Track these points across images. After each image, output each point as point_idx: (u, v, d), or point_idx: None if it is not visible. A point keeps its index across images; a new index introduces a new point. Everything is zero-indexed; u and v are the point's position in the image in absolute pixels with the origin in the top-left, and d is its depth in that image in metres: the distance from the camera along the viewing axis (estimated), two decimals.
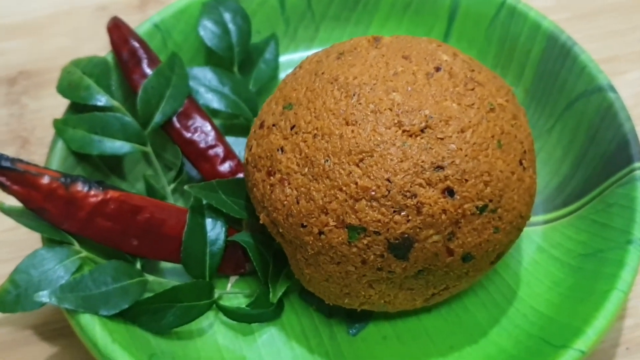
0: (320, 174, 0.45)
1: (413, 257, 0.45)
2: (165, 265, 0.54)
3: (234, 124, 0.60)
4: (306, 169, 0.46)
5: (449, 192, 0.45)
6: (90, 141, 0.54)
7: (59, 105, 0.56)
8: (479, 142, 0.45)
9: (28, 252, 0.49)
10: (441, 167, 0.45)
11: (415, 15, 0.63)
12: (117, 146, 0.54)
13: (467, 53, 0.59)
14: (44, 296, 0.47)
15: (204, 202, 0.52)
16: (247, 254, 0.52)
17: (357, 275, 0.46)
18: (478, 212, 0.45)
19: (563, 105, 0.57)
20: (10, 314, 0.54)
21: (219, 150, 0.56)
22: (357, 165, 0.45)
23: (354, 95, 0.46)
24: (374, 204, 0.44)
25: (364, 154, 0.45)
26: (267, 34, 0.63)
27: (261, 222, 0.49)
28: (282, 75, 0.62)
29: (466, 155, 0.45)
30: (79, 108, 0.55)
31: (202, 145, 0.55)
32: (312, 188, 0.45)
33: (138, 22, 0.60)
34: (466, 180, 0.45)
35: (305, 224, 0.46)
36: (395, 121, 0.45)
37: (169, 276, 0.54)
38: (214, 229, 0.52)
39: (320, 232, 0.45)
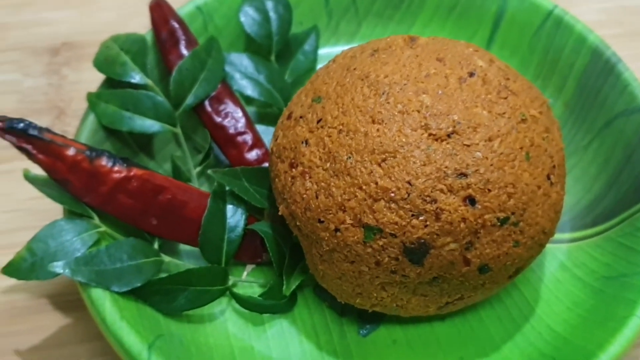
0: (342, 170, 0.45)
1: (428, 263, 0.44)
2: (184, 247, 0.54)
3: (267, 112, 0.60)
4: (328, 164, 0.45)
5: (471, 200, 0.44)
6: (121, 117, 0.54)
7: (98, 79, 0.57)
8: (506, 153, 0.44)
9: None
10: (464, 175, 0.44)
11: (460, 19, 0.62)
12: (147, 124, 0.54)
13: (509, 61, 0.59)
14: (58, 267, 0.47)
15: (227, 188, 0.52)
16: (265, 244, 0.52)
17: (370, 276, 0.46)
18: (499, 223, 0.44)
19: (602, 123, 0.56)
20: (27, 282, 0.55)
21: (248, 137, 0.55)
22: (379, 165, 0.44)
23: (383, 93, 0.46)
24: (393, 205, 0.44)
25: (387, 154, 0.44)
26: (309, 25, 0.63)
27: (280, 213, 0.49)
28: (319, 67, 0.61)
29: (491, 165, 0.44)
30: (113, 83, 0.56)
31: (232, 131, 0.55)
32: (332, 184, 0.45)
33: (182, 3, 0.60)
34: (489, 190, 0.44)
35: (322, 219, 0.45)
36: (422, 124, 0.44)
37: (186, 259, 0.54)
38: (234, 216, 0.52)
39: (337, 229, 0.45)
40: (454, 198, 0.44)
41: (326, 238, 0.46)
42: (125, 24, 0.69)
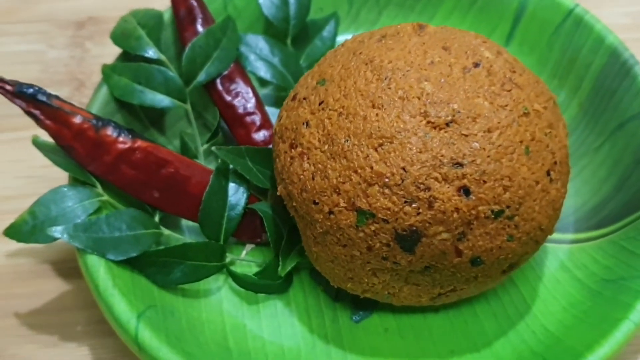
0: (339, 153, 0.45)
1: (420, 251, 0.44)
2: (186, 223, 0.55)
3: (280, 95, 0.60)
4: (326, 147, 0.45)
5: (465, 191, 0.43)
6: (133, 90, 0.54)
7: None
8: (505, 145, 0.44)
9: None
10: (460, 164, 0.43)
11: (480, 13, 0.61)
12: (158, 99, 0.55)
13: (527, 58, 0.58)
14: (57, 231, 0.48)
15: (230, 166, 0.52)
16: (264, 225, 0.52)
17: (362, 261, 0.46)
18: (493, 216, 0.44)
19: (614, 125, 0.55)
20: (32, 247, 0.56)
21: (256, 118, 0.56)
22: (376, 150, 0.44)
23: (385, 78, 0.45)
24: (386, 191, 0.43)
25: (384, 139, 0.44)
26: (329, 12, 0.63)
27: (278, 193, 0.49)
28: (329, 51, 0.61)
29: (489, 156, 0.44)
30: (129, 57, 0.56)
31: (240, 110, 0.56)
32: (328, 166, 0.45)
33: None
34: (484, 182, 0.43)
35: (317, 201, 0.45)
36: (422, 111, 0.44)
37: (187, 234, 0.54)
38: (236, 194, 0.52)
39: (330, 212, 0.45)
40: (448, 187, 0.43)
41: (320, 220, 0.46)
42: (151, 1, 0.70)
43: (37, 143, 0.51)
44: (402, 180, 0.43)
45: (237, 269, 0.53)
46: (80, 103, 0.63)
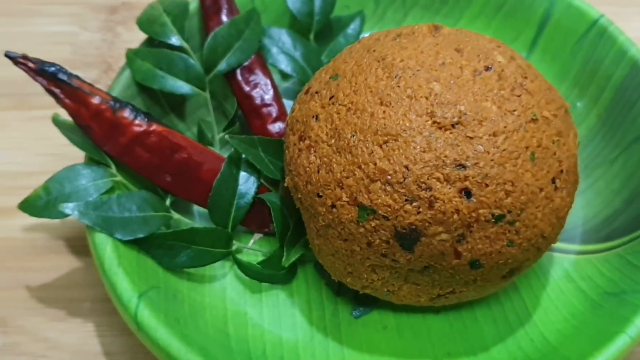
0: (344, 147, 0.45)
1: (419, 250, 0.44)
2: (198, 209, 0.56)
3: (300, 90, 0.61)
4: (333, 140, 0.46)
5: (466, 193, 0.43)
6: (154, 75, 0.55)
7: None
8: (509, 150, 0.44)
9: None
10: (463, 166, 0.43)
11: (506, 18, 0.61)
12: (177, 85, 0.56)
13: (550, 66, 0.58)
14: (68, 208, 0.49)
15: (243, 155, 0.53)
16: None
17: (362, 257, 0.46)
18: (493, 220, 0.44)
19: (631, 138, 0.54)
20: (48, 221, 0.57)
21: (273, 109, 0.56)
22: (380, 147, 0.44)
23: (395, 77, 0.46)
24: (388, 188, 0.44)
25: (389, 137, 0.44)
26: (355, 10, 0.63)
27: (286, 184, 0.49)
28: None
29: (492, 160, 0.44)
30: (154, 43, 0.57)
31: (258, 101, 0.56)
32: (333, 160, 0.45)
33: None
34: (486, 185, 0.43)
35: (321, 194, 0.46)
36: (429, 110, 0.44)
37: (198, 220, 0.55)
38: (246, 183, 0.53)
39: (333, 205, 0.45)
40: (449, 188, 0.43)
41: (323, 213, 0.46)
42: None
43: (56, 121, 0.52)
44: (404, 179, 0.43)
45: (244, 257, 0.54)
46: (107, 86, 0.64)
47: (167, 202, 0.53)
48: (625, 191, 0.54)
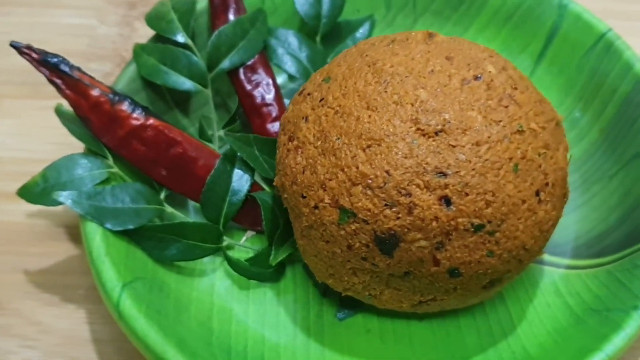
0: (329, 150, 0.45)
1: (398, 255, 0.45)
2: (194, 204, 0.56)
3: None
4: (319, 142, 0.46)
5: (446, 201, 0.43)
6: (158, 70, 0.56)
7: None
8: (492, 160, 0.44)
9: None
10: (444, 174, 0.43)
11: (515, 29, 0.61)
12: (180, 81, 0.56)
13: (556, 79, 0.58)
14: (62, 196, 0.50)
15: (238, 153, 0.53)
16: None
17: (343, 259, 0.46)
18: (473, 229, 0.44)
19: (631, 154, 0.54)
20: (50, 208, 0.58)
21: (273, 109, 0.57)
22: (364, 151, 0.44)
23: (384, 82, 0.46)
24: (369, 192, 0.44)
25: (372, 141, 0.44)
26: (366, 14, 0.63)
27: (275, 184, 0.50)
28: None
29: (473, 169, 0.43)
30: (162, 40, 0.58)
31: (259, 100, 0.57)
32: (318, 162, 0.46)
33: None
34: (466, 194, 0.43)
35: (305, 195, 0.46)
36: (413, 117, 0.44)
37: (193, 215, 0.56)
38: (239, 181, 0.54)
39: (316, 207, 0.46)
40: (429, 195, 0.43)
41: (306, 213, 0.46)
42: None
43: (58, 111, 0.54)
44: (385, 183, 0.44)
45: (235, 254, 0.54)
46: None
47: (162, 195, 0.54)
48: (620, 208, 0.53)
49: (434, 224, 0.43)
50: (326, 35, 0.61)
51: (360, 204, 0.44)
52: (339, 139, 0.45)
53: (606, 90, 0.56)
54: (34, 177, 0.52)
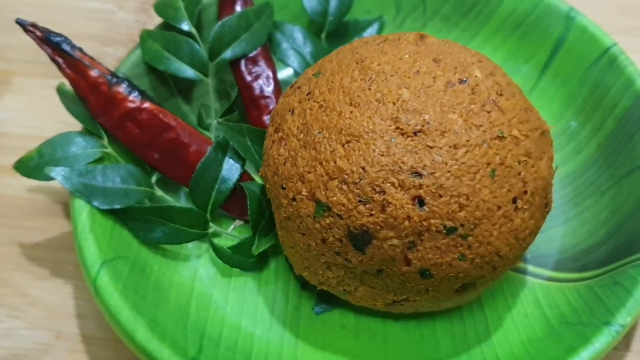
0: (310, 143, 0.46)
1: (370, 252, 0.45)
2: (186, 191, 0.57)
3: None
4: (302, 135, 0.46)
5: (420, 201, 0.43)
6: (161, 57, 0.57)
7: None
8: (468, 164, 0.44)
9: None
10: (419, 174, 0.43)
11: (521, 39, 0.61)
12: (182, 68, 0.57)
13: (559, 91, 0.58)
14: (54, 172, 0.51)
15: (231, 142, 0.54)
16: None
17: (317, 252, 0.46)
18: (445, 231, 0.44)
19: (625, 171, 0.53)
20: (49, 184, 0.60)
21: (271, 102, 0.57)
22: (343, 146, 0.45)
23: (369, 79, 0.46)
24: (344, 187, 0.44)
25: (351, 137, 0.44)
26: (376, 15, 0.64)
27: (260, 174, 0.50)
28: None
29: (449, 172, 0.43)
30: (168, 27, 0.59)
31: (257, 92, 0.57)
32: (299, 154, 0.46)
33: None
34: (440, 196, 0.43)
35: (284, 186, 0.47)
36: (393, 116, 0.44)
37: (184, 200, 0.56)
38: (230, 169, 0.54)
39: (294, 199, 0.46)
40: (403, 194, 0.43)
41: (284, 205, 0.47)
42: None
43: (60, 90, 0.55)
44: (360, 180, 0.44)
45: (221, 241, 0.55)
46: None
47: (154, 179, 0.55)
48: (609, 224, 0.52)
49: (406, 223, 0.43)
50: (332, 33, 0.61)
51: (335, 198, 0.44)
52: (320, 132, 0.46)
53: (607, 105, 0.56)
54: (30, 152, 0.53)
